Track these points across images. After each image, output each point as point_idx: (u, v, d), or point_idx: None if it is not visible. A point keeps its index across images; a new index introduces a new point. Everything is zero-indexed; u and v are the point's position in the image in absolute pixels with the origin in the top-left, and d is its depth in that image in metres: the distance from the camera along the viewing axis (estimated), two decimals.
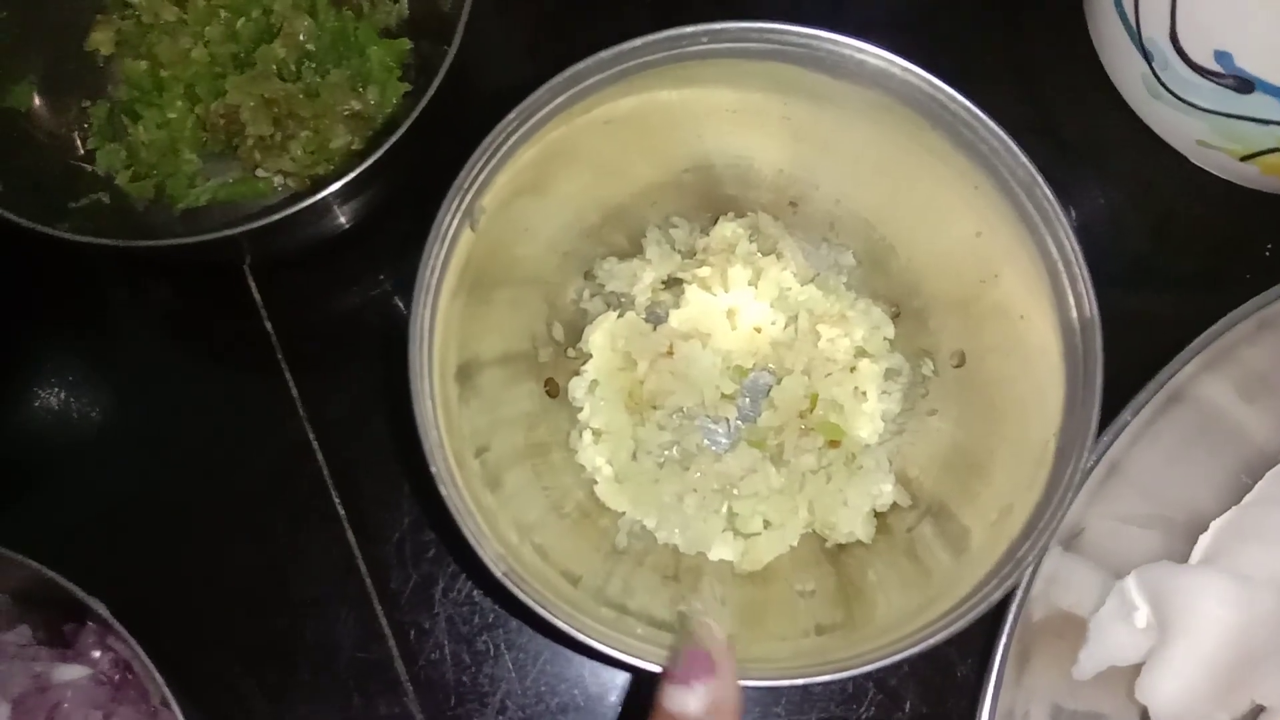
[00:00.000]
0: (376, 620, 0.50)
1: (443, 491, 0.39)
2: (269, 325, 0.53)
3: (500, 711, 0.49)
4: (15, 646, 0.42)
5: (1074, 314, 0.44)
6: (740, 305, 0.52)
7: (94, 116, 0.55)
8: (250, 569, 0.50)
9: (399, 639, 0.49)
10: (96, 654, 0.42)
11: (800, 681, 0.41)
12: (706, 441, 0.51)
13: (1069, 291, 0.45)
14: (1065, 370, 0.45)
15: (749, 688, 0.37)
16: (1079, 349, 0.44)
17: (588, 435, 0.51)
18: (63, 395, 0.53)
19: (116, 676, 0.42)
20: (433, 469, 0.39)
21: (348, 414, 0.52)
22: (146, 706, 0.42)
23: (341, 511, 0.51)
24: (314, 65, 0.55)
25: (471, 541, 0.40)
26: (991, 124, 0.45)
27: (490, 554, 0.40)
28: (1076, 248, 0.44)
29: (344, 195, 0.48)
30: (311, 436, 0.52)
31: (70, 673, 0.41)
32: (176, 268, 0.56)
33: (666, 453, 0.51)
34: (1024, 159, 0.45)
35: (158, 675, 0.39)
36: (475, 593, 0.50)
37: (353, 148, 0.54)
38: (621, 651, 0.39)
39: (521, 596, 0.39)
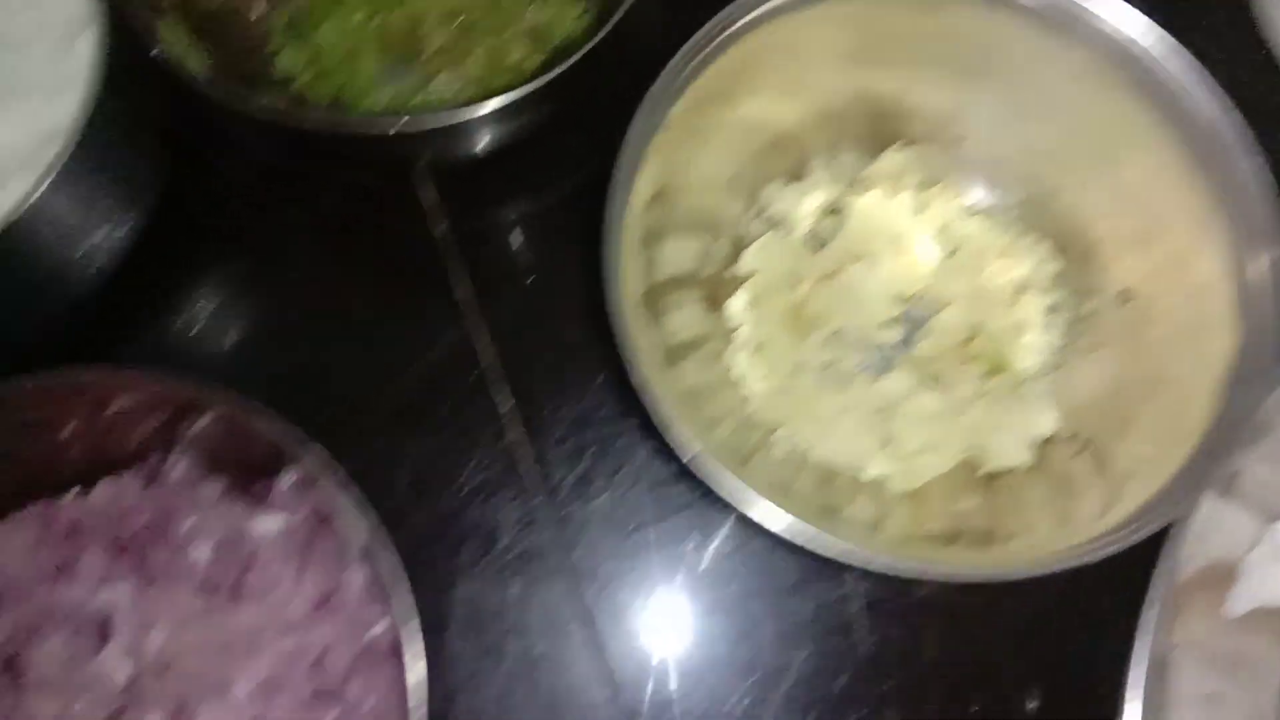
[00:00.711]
0: (537, 511, 0.51)
1: (640, 381, 0.41)
2: (437, 232, 0.55)
3: None
4: (210, 499, 0.45)
5: (1253, 258, 0.45)
6: (904, 233, 0.53)
7: (278, 19, 0.57)
8: (419, 459, 0.52)
9: (559, 530, 0.51)
10: (291, 508, 0.44)
11: (938, 577, 0.43)
12: (865, 365, 0.52)
13: (1247, 234, 0.45)
14: (1240, 314, 0.45)
15: None
16: (1257, 294, 0.45)
17: (746, 352, 0.52)
18: (225, 297, 0.56)
19: (311, 530, 0.44)
20: (640, 373, 0.41)
21: (511, 316, 0.54)
22: (339, 562, 0.44)
23: (509, 406, 0.52)
24: None
25: (663, 426, 0.42)
26: (1183, 54, 0.45)
27: (681, 437, 0.41)
28: (1264, 188, 0.45)
29: (519, 108, 0.50)
30: (477, 336, 0.53)
31: (266, 524, 0.44)
32: (347, 170, 0.58)
33: (824, 372, 0.52)
34: (1211, 91, 0.45)
35: (364, 519, 0.40)
36: (633, 490, 0.52)
37: (526, 64, 0.56)
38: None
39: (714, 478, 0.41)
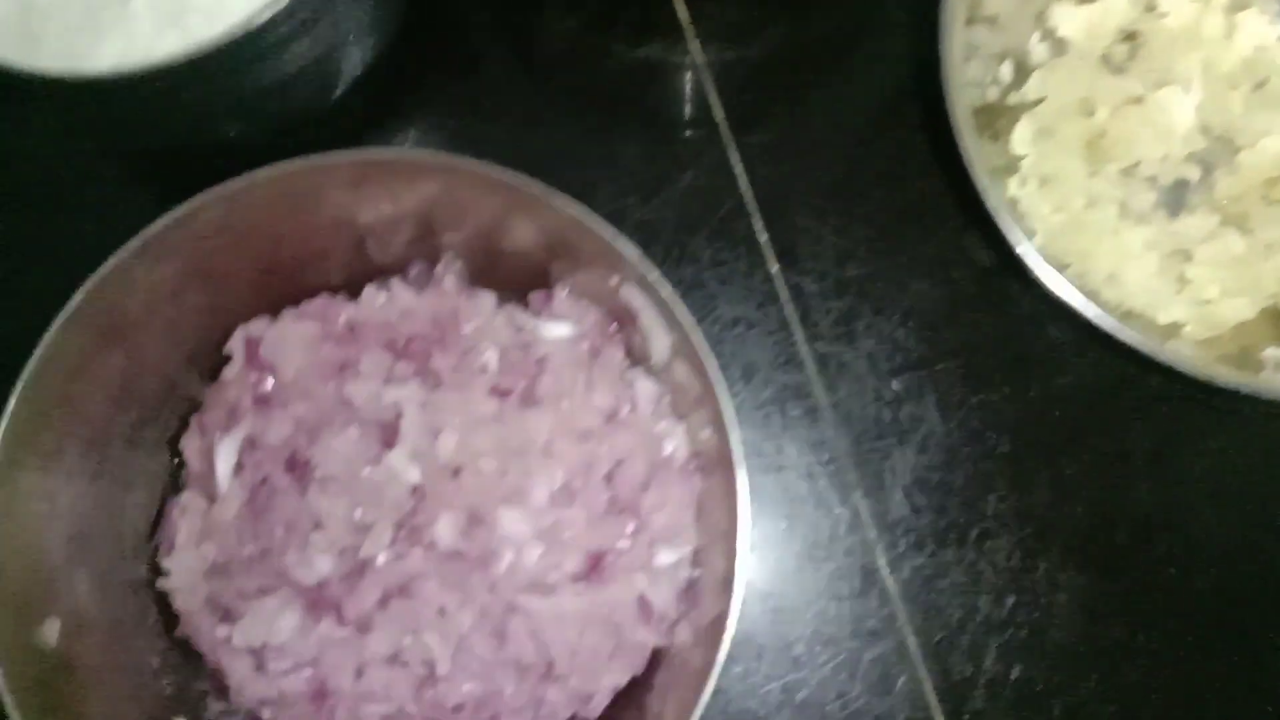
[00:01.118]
0: (796, 347, 0.48)
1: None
2: (692, 49, 0.51)
3: (921, 450, 0.48)
4: (489, 306, 0.42)
5: None
6: (1209, 60, 0.48)
7: None
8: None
9: (819, 368, 0.48)
10: (576, 316, 0.42)
11: None
12: (1161, 203, 0.48)
13: None
14: None
15: None
16: None
17: (1032, 183, 0.48)
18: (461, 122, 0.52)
19: (599, 340, 0.41)
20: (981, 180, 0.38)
21: (769, 144, 0.51)
22: (627, 375, 0.41)
23: (764, 238, 0.49)
24: None
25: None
26: None
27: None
28: None
29: None
30: (736, 161, 0.50)
31: (555, 329, 0.41)
32: None
33: (1119, 208, 0.48)
34: None
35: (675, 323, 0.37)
36: (899, 331, 0.49)
37: None
38: None
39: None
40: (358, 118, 0.51)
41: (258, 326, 0.41)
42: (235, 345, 0.41)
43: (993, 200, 0.41)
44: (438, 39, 0.52)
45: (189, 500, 0.40)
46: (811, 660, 0.47)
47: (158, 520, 0.42)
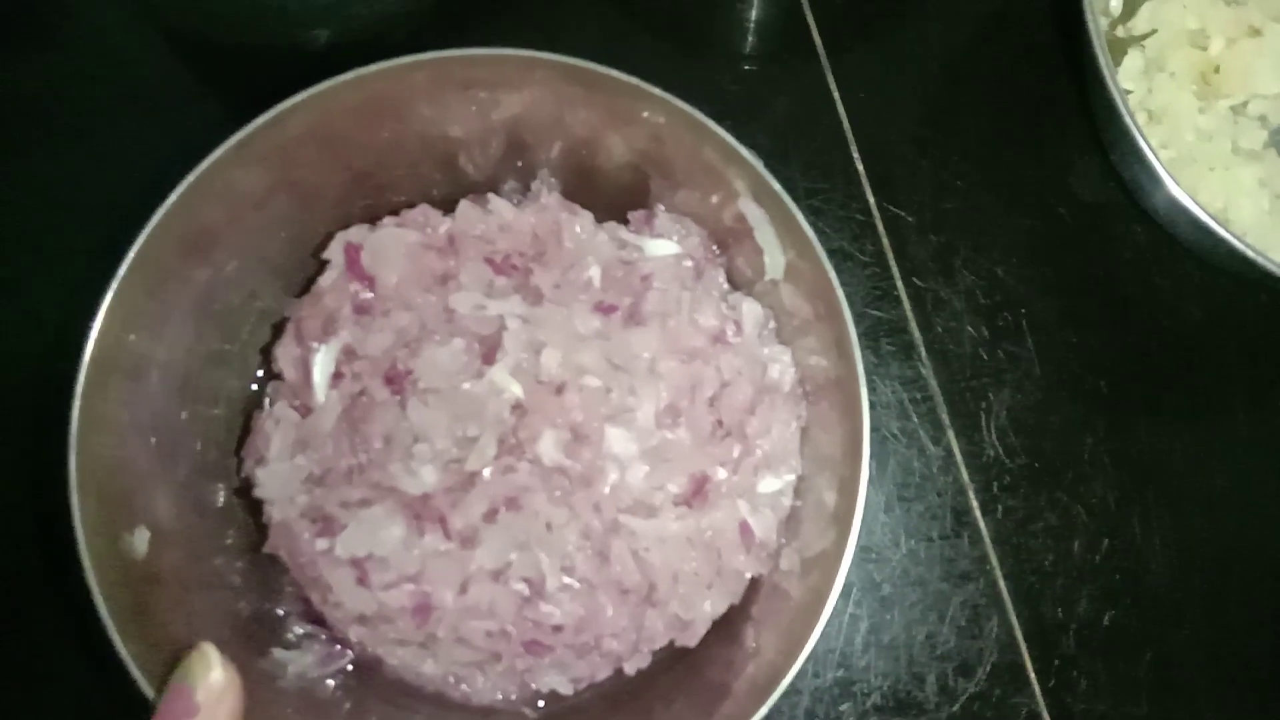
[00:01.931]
0: (892, 281, 0.47)
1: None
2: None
3: (1017, 390, 0.46)
4: (588, 224, 0.41)
5: None
6: None
7: None
8: None
9: (914, 304, 0.47)
10: (678, 236, 0.40)
11: None
12: (1272, 141, 0.47)
13: None
14: None
15: None
16: None
17: (1139, 117, 0.46)
18: None
19: (703, 260, 0.40)
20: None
21: (873, 66, 0.49)
22: (731, 297, 0.40)
23: (861, 168, 0.48)
24: None
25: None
26: None
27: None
28: None
29: None
30: (833, 86, 0.49)
31: (660, 247, 0.40)
32: None
33: (1231, 146, 0.46)
34: None
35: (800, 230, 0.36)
36: (998, 268, 0.47)
37: None
38: None
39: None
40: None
41: (357, 233, 0.39)
42: (334, 252, 0.39)
43: (1124, 118, 0.39)
44: None
45: (281, 411, 0.38)
46: (900, 601, 0.46)
47: (242, 437, 0.41)
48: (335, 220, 0.42)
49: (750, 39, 0.50)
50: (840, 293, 0.36)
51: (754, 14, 0.51)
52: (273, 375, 0.41)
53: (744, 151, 0.36)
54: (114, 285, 0.35)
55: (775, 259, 0.38)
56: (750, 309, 0.40)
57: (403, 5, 0.46)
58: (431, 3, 0.46)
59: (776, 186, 0.36)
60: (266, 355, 0.42)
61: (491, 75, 0.38)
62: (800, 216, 0.36)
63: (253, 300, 0.42)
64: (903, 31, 0.50)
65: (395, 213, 0.42)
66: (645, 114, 0.38)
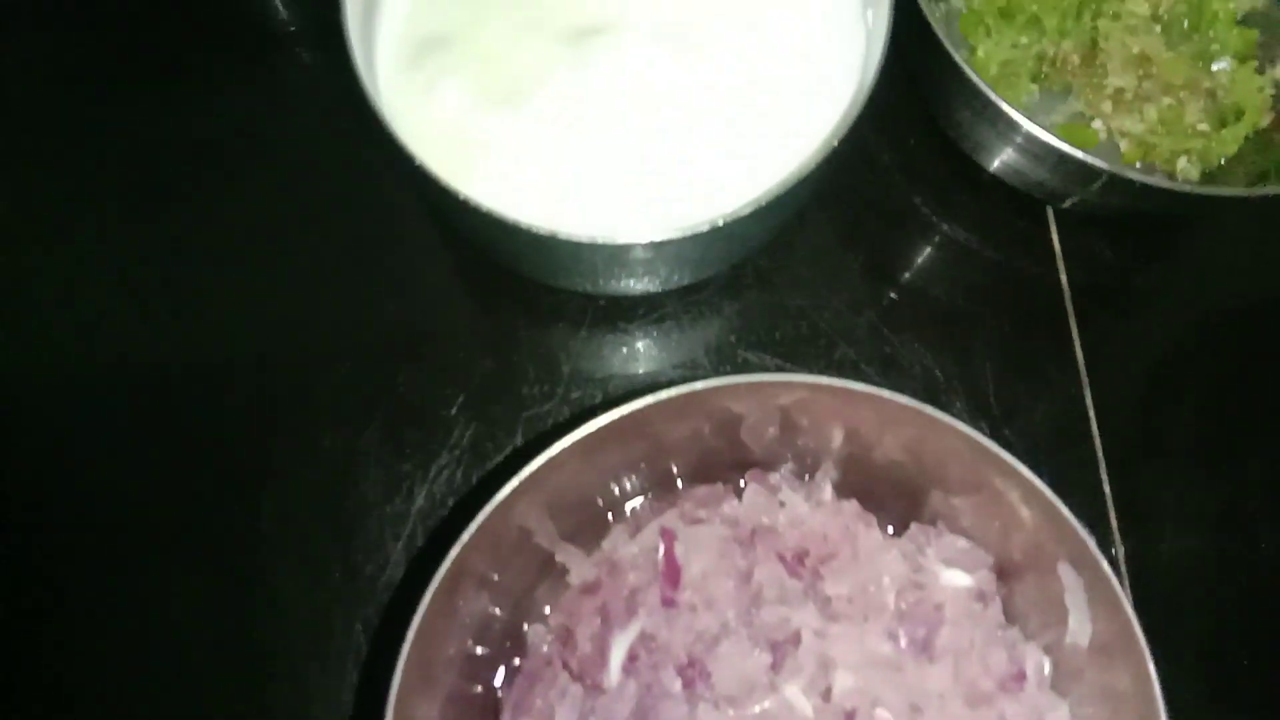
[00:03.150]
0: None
1: None
2: (1064, 276, 0.51)
3: None
4: (876, 535, 0.41)
5: None
6: None
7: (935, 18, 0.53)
8: None
9: None
10: (970, 566, 0.40)
11: None
12: None
13: None
14: None
15: None
16: None
17: None
18: None
19: (988, 594, 0.40)
20: None
21: (1128, 393, 0.50)
22: (1002, 633, 0.40)
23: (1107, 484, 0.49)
24: (1166, 29, 0.52)
25: None
26: None
27: None
28: None
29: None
30: (1089, 401, 0.50)
31: (956, 578, 0.40)
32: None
33: None
34: None
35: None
36: None
37: (1199, 127, 0.51)
38: None
39: None
40: None
41: (670, 519, 0.40)
42: (648, 536, 0.39)
43: None
44: None
45: (566, 684, 0.38)
46: None
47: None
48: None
49: (1017, 337, 0.52)
50: (1153, 675, 0.36)
51: (1025, 313, 0.52)
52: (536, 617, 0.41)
53: (1072, 522, 0.37)
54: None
55: (1083, 626, 0.38)
56: (1034, 656, 0.40)
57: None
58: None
59: (1100, 559, 0.37)
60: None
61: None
62: (1123, 595, 0.36)
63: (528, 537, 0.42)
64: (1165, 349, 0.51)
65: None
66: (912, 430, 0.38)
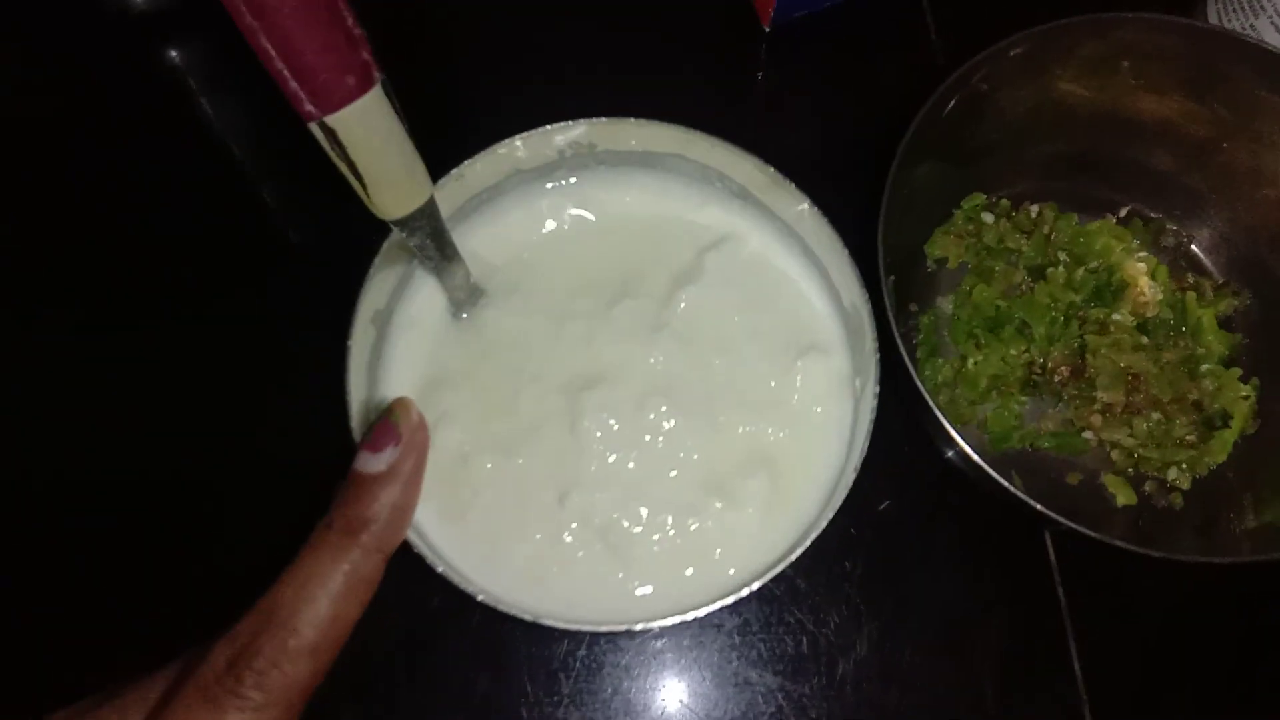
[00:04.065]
0: None
1: None
2: (1060, 591, 0.51)
3: None
4: None
5: None
6: None
7: (921, 328, 0.55)
8: None
9: None
10: None
11: None
12: None
13: None
14: None
15: None
16: None
17: None
18: None
19: None
20: None
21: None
22: None
23: None
24: (1151, 340, 0.54)
25: None
26: None
27: None
28: None
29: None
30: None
31: None
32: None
33: None
34: None
35: None
36: None
37: (1188, 439, 0.52)
38: None
39: None
40: None
41: None
42: None
43: None
44: None
45: None
46: None
47: None
48: None
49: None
50: None
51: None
52: None
53: None
54: None
55: None
56: None
57: None
58: None
59: None
60: None
61: None
62: None
63: None
64: None
65: None
66: None
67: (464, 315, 0.46)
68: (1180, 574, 0.53)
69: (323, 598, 0.33)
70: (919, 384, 0.43)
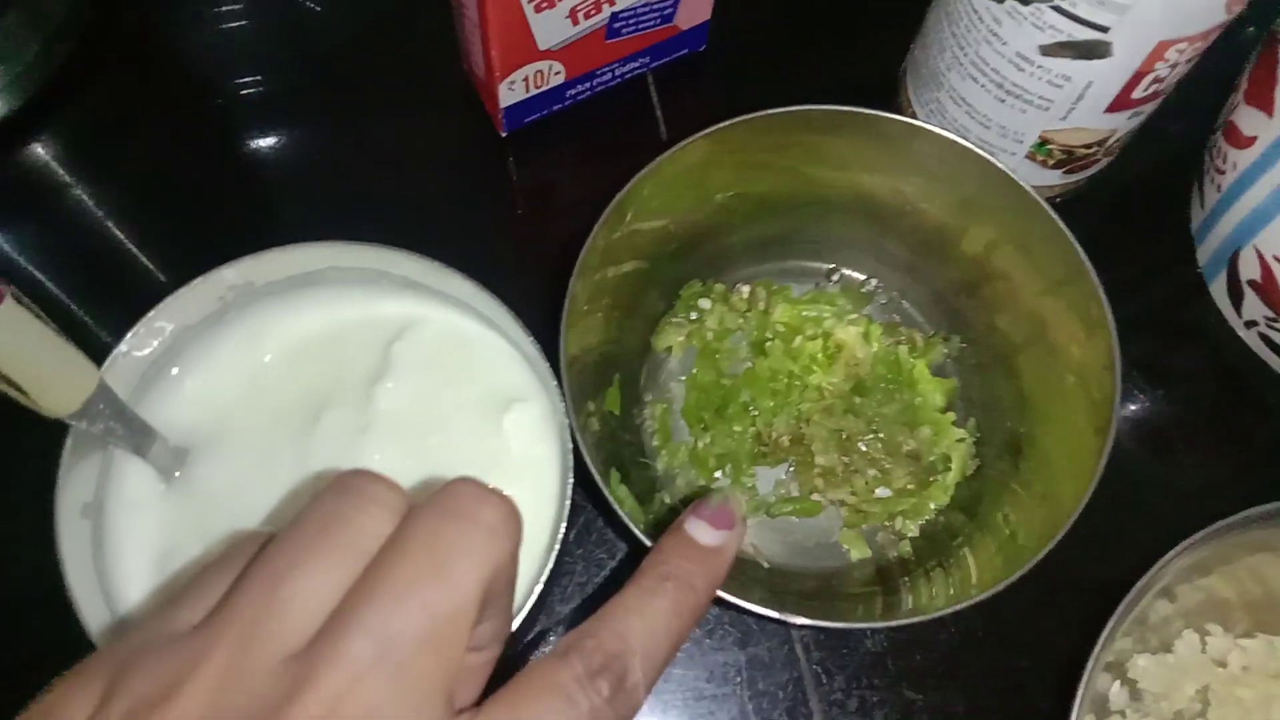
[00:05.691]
0: None
1: None
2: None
3: None
4: None
5: None
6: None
7: (655, 416, 0.57)
8: None
9: None
10: None
11: None
12: None
13: None
14: None
15: None
16: None
17: None
18: None
19: None
20: None
21: None
22: None
23: None
24: (867, 398, 0.57)
25: None
26: None
27: None
28: None
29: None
30: None
31: None
32: None
33: None
34: None
35: None
36: None
37: (908, 488, 0.55)
38: None
39: None
40: None
41: None
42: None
43: None
44: None
45: None
46: None
47: None
48: None
49: None
50: None
51: None
52: None
53: None
54: None
55: None
56: None
57: None
58: None
59: None
60: None
61: None
62: None
63: None
64: None
65: None
66: None
67: (176, 474, 0.47)
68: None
69: (669, 650, 0.32)
70: (606, 493, 0.44)
